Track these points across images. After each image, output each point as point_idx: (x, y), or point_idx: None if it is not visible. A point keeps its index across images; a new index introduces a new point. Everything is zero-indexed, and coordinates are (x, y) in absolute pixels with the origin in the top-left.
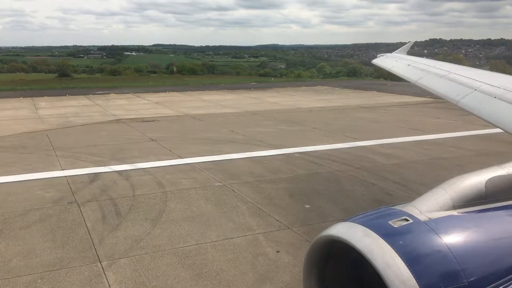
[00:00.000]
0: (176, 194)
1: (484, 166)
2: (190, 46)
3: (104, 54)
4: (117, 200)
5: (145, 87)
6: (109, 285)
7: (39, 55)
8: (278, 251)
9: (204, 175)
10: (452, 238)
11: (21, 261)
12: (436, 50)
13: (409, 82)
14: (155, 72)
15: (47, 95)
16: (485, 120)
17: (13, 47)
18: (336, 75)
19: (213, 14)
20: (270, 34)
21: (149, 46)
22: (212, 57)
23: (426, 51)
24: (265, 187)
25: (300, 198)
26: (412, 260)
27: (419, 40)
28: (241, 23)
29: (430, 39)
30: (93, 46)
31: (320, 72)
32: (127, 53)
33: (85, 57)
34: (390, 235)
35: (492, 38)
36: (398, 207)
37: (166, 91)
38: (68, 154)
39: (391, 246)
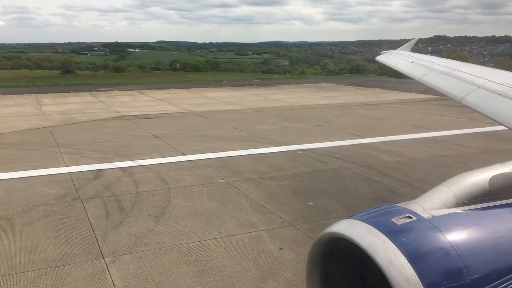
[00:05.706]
0: (179, 191)
1: (488, 163)
2: (193, 43)
3: (107, 51)
4: (120, 196)
5: (148, 84)
6: (113, 281)
7: (42, 52)
8: (281, 248)
9: (207, 172)
10: (455, 236)
11: (25, 257)
12: (440, 47)
13: (413, 79)
14: (158, 69)
15: (50, 92)
16: (489, 118)
17: (17, 44)
18: (339, 72)
19: (216, 11)
20: (274, 31)
21: (153, 43)
22: (215, 54)
23: (430, 48)
24: (268, 184)
25: (303, 195)
26: (415, 257)
27: (423, 37)
28: (245, 20)
29: (434, 36)
30: (97, 43)
31: (324, 69)
32: (130, 50)
33: (89, 54)
34: (393, 233)
35: (497, 35)
36: (401, 205)
37: (169, 88)
38: (71, 151)
39: (394, 244)
